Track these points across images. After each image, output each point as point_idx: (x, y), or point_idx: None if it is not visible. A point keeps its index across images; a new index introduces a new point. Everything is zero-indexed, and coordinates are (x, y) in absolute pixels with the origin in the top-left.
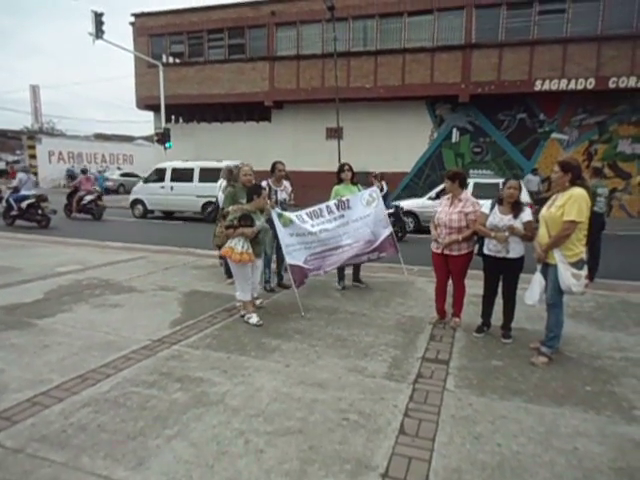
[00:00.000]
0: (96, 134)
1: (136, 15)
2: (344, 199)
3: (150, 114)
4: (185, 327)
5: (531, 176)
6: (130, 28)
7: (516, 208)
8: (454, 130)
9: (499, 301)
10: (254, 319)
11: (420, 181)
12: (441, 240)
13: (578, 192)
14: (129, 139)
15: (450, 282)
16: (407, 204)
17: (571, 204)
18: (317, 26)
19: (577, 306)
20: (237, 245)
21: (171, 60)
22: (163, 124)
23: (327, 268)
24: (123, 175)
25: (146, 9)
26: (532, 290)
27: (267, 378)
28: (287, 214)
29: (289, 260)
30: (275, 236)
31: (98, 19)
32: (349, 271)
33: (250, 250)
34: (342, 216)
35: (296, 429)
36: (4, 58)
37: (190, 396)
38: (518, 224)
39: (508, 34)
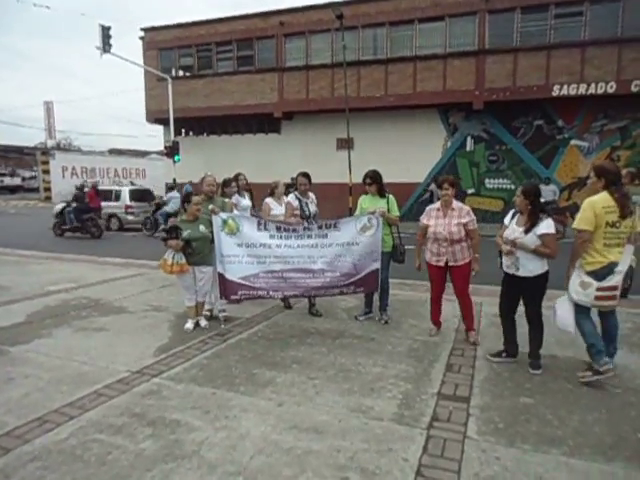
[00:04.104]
0: (111, 149)
1: (145, 29)
2: (332, 221)
3: (160, 128)
4: (171, 355)
5: (543, 186)
6: (140, 43)
7: (532, 218)
8: (468, 138)
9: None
10: (189, 324)
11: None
12: (443, 252)
13: (590, 200)
14: (143, 154)
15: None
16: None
17: (580, 212)
18: (326, 36)
19: None
20: (168, 257)
21: (180, 73)
22: (172, 137)
23: (288, 292)
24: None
25: (156, 23)
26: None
27: (255, 421)
28: (236, 221)
29: (219, 269)
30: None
31: (105, 33)
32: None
33: (182, 261)
34: (324, 236)
35: None
36: (22, 78)
37: (160, 446)
38: (528, 237)
39: (523, 39)
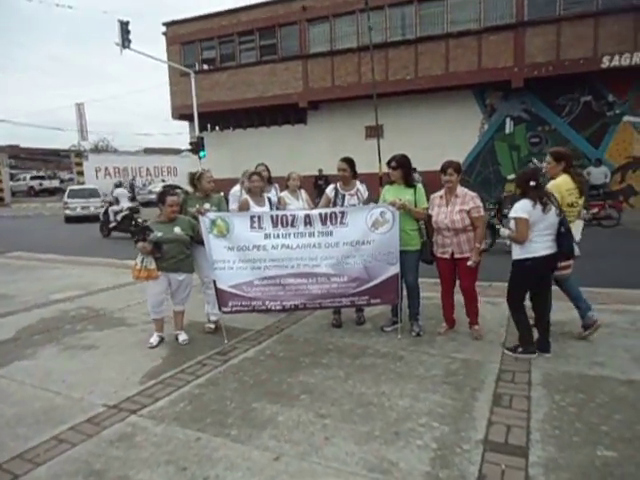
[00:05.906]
0: (146, 148)
1: (167, 24)
2: (338, 210)
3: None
4: (159, 382)
5: (593, 168)
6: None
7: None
8: (507, 120)
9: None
10: (153, 338)
11: (471, 179)
12: (448, 243)
13: (554, 183)
14: (177, 152)
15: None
16: None
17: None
18: (351, 18)
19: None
20: (137, 261)
21: (204, 67)
22: (197, 133)
23: (288, 302)
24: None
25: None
26: None
27: None
28: (226, 221)
29: (212, 275)
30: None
31: (124, 28)
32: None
33: (151, 266)
34: (329, 233)
35: None
36: (61, 84)
37: None
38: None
39: (567, 6)
